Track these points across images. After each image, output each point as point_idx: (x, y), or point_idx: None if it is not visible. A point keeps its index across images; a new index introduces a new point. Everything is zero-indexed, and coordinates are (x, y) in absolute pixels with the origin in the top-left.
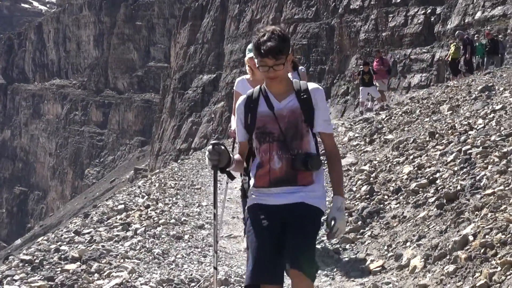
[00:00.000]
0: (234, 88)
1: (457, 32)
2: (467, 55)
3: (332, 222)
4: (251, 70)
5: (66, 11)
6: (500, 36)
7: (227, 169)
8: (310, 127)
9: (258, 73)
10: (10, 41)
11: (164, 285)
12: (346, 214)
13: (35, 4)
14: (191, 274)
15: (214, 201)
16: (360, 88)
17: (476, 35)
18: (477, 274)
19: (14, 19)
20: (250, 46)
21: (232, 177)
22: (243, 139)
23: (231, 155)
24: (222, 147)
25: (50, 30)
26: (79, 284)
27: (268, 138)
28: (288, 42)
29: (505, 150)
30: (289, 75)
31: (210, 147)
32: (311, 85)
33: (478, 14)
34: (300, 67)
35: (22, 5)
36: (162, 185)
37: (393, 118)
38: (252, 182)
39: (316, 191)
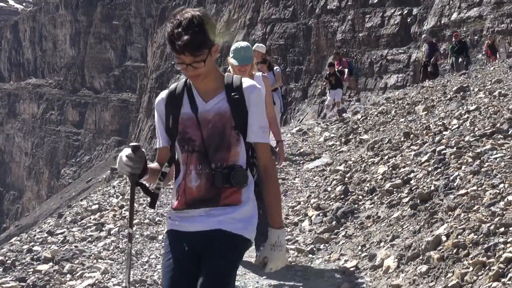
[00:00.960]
0: None
1: (424, 35)
2: (431, 60)
3: (265, 261)
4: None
5: (43, 10)
6: (476, 37)
7: (143, 179)
8: (242, 135)
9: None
10: None
11: (137, 285)
12: (319, 214)
13: (11, 2)
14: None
15: (129, 219)
16: (328, 91)
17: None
18: (449, 274)
19: None
20: (233, 47)
21: (153, 205)
22: (165, 144)
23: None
24: (143, 151)
25: (26, 29)
26: (51, 285)
27: (187, 146)
28: (212, 30)
29: (478, 150)
30: (265, 74)
31: (130, 151)
32: (246, 82)
33: (454, 15)
34: (275, 67)
35: None
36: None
37: (368, 118)
38: (173, 202)
39: (240, 213)
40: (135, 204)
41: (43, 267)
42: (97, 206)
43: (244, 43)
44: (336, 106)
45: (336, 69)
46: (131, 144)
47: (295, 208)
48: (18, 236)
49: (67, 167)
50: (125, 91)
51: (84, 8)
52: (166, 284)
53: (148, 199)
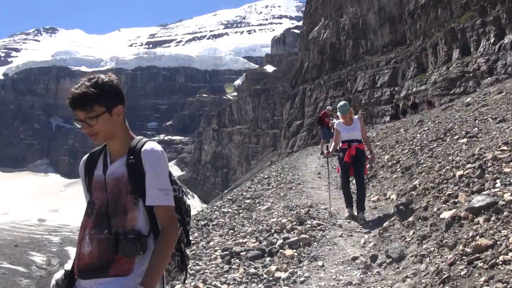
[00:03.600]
0: (335, 126)
1: (394, 100)
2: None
3: None
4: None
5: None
6: (424, 98)
7: None
8: (141, 199)
9: (347, 119)
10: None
11: (285, 208)
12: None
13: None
14: (299, 203)
15: None
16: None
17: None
18: (421, 202)
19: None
20: (339, 107)
21: None
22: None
23: None
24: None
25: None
26: (251, 208)
27: (88, 209)
28: (110, 91)
29: (431, 147)
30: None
31: (54, 283)
32: (146, 145)
33: (414, 89)
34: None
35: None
36: (281, 167)
37: (379, 135)
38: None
39: (131, 286)
40: (282, 174)
41: (248, 200)
42: (266, 175)
43: (343, 102)
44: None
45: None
46: (64, 269)
47: None
48: (236, 188)
49: (254, 162)
50: (276, 128)
51: (259, 97)
52: None
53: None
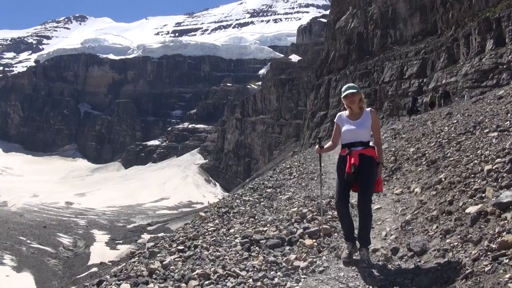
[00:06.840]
0: (335, 120)
1: (410, 93)
2: (410, 104)
3: None
4: (348, 107)
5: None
6: (454, 90)
7: None
8: None
9: (353, 108)
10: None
11: (306, 198)
12: (387, 169)
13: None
14: (319, 193)
15: None
16: None
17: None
18: (446, 196)
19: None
20: (344, 87)
21: None
22: None
23: None
24: None
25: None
26: (272, 196)
27: None
28: None
29: (459, 140)
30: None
31: None
32: None
33: (443, 81)
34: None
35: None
36: (304, 158)
37: (405, 128)
38: None
39: None
40: (303, 164)
41: (269, 190)
42: (288, 165)
43: (349, 84)
44: None
45: None
46: None
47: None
48: (257, 177)
49: (276, 151)
50: (300, 119)
51: (283, 87)
52: None
53: None
